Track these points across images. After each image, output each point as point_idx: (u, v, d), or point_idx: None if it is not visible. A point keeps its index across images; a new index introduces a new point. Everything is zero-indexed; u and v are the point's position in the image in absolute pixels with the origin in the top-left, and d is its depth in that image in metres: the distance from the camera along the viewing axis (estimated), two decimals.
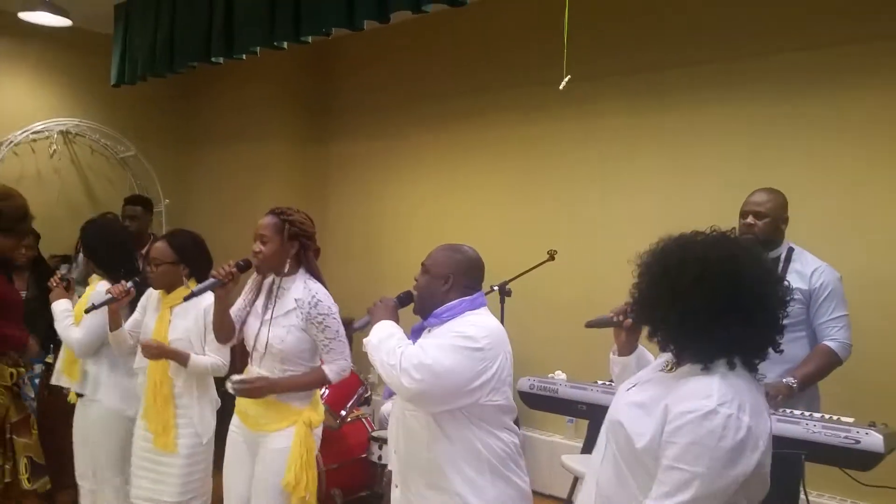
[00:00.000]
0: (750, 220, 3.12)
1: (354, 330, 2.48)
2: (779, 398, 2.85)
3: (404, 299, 2.45)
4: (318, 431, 2.89)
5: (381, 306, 2.38)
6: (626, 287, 1.77)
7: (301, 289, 2.78)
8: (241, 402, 2.85)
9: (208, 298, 3.00)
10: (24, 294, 4.48)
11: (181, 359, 3.02)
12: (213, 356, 3.07)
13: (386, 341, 2.24)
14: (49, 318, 3.64)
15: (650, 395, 1.65)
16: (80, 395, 3.48)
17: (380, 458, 4.22)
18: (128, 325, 3.32)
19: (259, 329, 2.81)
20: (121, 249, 3.52)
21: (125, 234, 3.86)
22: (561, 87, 3.06)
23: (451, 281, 2.35)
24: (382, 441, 4.14)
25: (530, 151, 5.06)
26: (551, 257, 4.13)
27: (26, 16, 5.00)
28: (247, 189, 6.18)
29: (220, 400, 3.29)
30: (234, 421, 2.92)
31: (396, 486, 2.42)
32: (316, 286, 2.80)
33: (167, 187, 6.28)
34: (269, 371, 2.79)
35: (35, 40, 5.73)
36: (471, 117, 5.37)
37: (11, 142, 5.60)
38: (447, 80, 5.50)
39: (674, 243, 1.68)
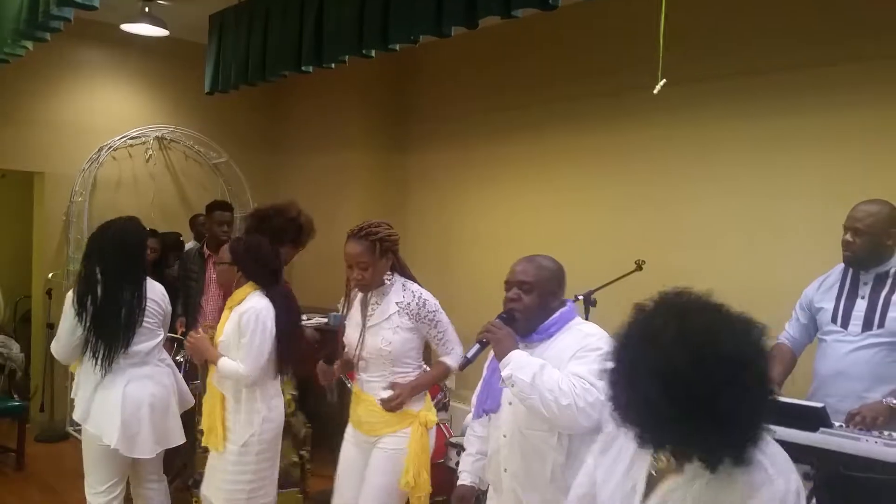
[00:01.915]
0: (848, 236, 2.96)
1: (469, 361, 2.38)
2: (879, 420, 2.69)
3: (507, 320, 2.32)
4: (432, 433, 2.92)
5: (501, 334, 2.23)
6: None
7: (401, 292, 2.86)
8: (357, 412, 2.92)
9: (246, 304, 3.05)
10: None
11: (210, 356, 3.07)
12: (238, 364, 3.02)
13: (539, 376, 2.11)
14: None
15: None
16: None
17: (457, 464, 4.16)
18: None
19: (362, 337, 2.86)
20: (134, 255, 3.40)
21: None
22: (655, 91, 2.95)
23: (556, 295, 2.34)
24: (461, 448, 4.07)
25: (616, 160, 4.94)
26: (639, 267, 4.00)
27: (128, 27, 5.23)
28: (329, 195, 6.28)
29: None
30: (349, 431, 2.98)
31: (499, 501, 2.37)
32: (416, 287, 2.89)
33: (256, 193, 6.44)
34: (378, 375, 2.86)
35: (134, 50, 6.00)
36: (555, 126, 5.28)
37: (111, 147, 5.86)
38: (531, 88, 5.43)
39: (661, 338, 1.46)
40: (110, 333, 3.18)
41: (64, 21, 3.56)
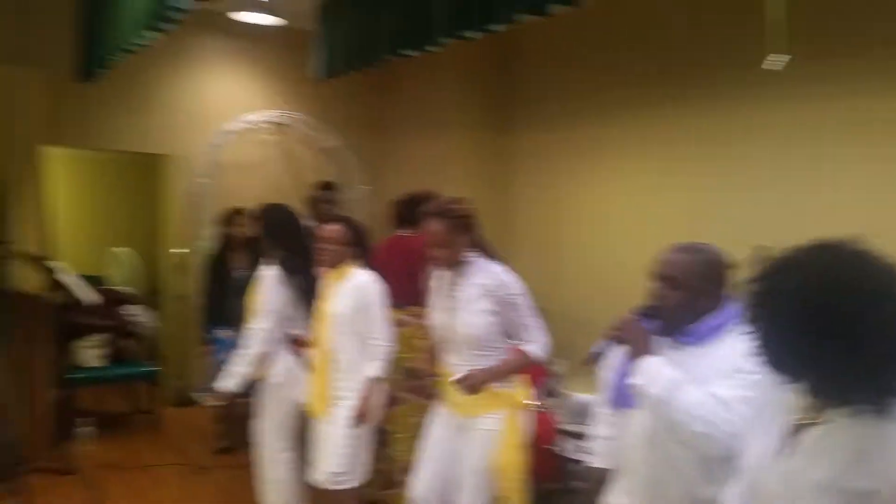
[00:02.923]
0: None
1: (596, 357, 2.11)
2: None
3: (648, 316, 2.06)
4: (525, 415, 2.91)
5: (636, 336, 2.00)
6: None
7: (484, 274, 2.81)
8: (451, 393, 2.89)
9: (363, 277, 3.25)
10: (242, 272, 5.00)
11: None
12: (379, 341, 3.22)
13: (675, 396, 1.90)
14: None
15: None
16: None
17: (568, 451, 4.01)
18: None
19: (447, 319, 2.86)
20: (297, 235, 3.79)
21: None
22: (776, 68, 2.82)
23: (711, 293, 2.01)
24: (574, 435, 3.91)
25: (735, 139, 4.74)
26: (760, 253, 3.80)
27: (236, 16, 5.50)
28: (435, 177, 6.37)
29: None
30: (437, 412, 2.99)
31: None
32: (497, 268, 2.83)
33: (364, 175, 6.69)
34: (465, 358, 2.83)
35: (249, 38, 6.35)
36: (665, 104, 5.13)
37: (231, 131, 6.23)
38: (640, 65, 5.28)
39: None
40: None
41: (184, 12, 3.71)
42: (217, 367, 5.04)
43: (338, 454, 3.19)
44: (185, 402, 6.25)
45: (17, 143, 4.71)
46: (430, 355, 3.14)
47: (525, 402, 2.90)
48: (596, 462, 2.36)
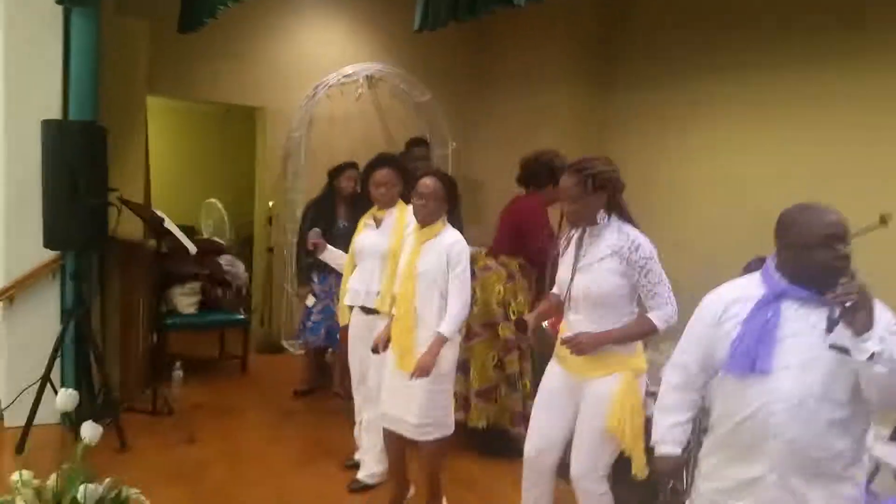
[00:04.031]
0: None
1: (834, 323, 1.93)
2: None
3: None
4: (643, 379, 2.88)
5: (870, 301, 1.91)
6: None
7: (616, 235, 2.76)
8: (562, 348, 2.89)
9: (454, 236, 3.29)
10: (344, 224, 5.04)
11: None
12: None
13: None
14: None
15: None
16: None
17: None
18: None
19: (573, 277, 2.82)
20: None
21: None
22: None
23: None
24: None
25: (853, 100, 4.44)
26: (884, 222, 3.53)
27: None
28: (527, 135, 6.27)
29: None
30: (553, 366, 2.99)
31: (757, 469, 2.13)
32: (633, 231, 2.77)
33: (455, 132, 6.60)
34: (586, 317, 2.80)
35: None
36: (773, 63, 4.87)
37: (326, 85, 6.22)
38: (746, 27, 5.04)
39: None
40: None
41: None
42: (309, 315, 5.16)
43: (420, 406, 3.24)
44: (272, 349, 6.39)
45: (124, 93, 4.80)
46: (543, 310, 3.11)
47: (642, 366, 2.85)
48: (667, 448, 2.32)
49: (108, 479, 2.05)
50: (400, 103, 6.68)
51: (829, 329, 1.93)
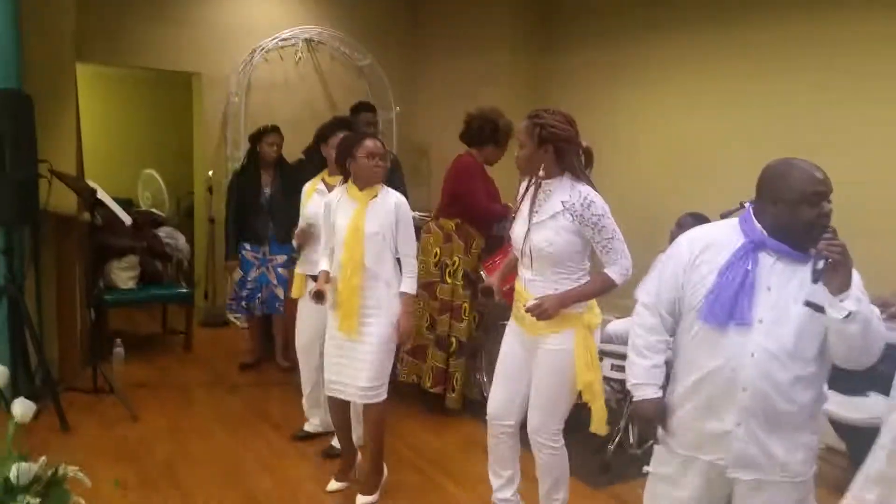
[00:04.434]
0: None
1: (819, 276, 1.93)
2: None
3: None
4: (597, 334, 2.88)
5: (849, 260, 1.94)
6: None
7: (567, 191, 2.73)
8: (518, 307, 2.90)
9: (396, 197, 3.30)
10: (269, 189, 4.96)
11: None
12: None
13: (875, 316, 1.99)
14: (292, 213, 4.01)
15: None
16: None
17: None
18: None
19: (527, 233, 2.80)
20: None
21: None
22: None
23: None
24: (604, 354, 3.70)
25: (784, 55, 4.46)
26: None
27: None
28: (469, 98, 6.14)
29: None
30: (511, 324, 2.99)
31: (727, 423, 2.12)
32: (585, 188, 2.73)
33: (397, 95, 6.49)
34: (541, 276, 2.79)
35: None
36: (722, 19, 4.83)
37: (263, 49, 6.04)
38: None
39: None
40: None
41: None
42: (241, 285, 5.07)
43: (373, 369, 3.25)
44: (216, 321, 6.27)
45: (51, 59, 4.55)
46: (506, 271, 3.11)
47: (595, 321, 2.84)
48: (649, 391, 2.25)
49: (42, 458, 1.96)
50: (341, 67, 6.54)
51: (815, 280, 1.94)
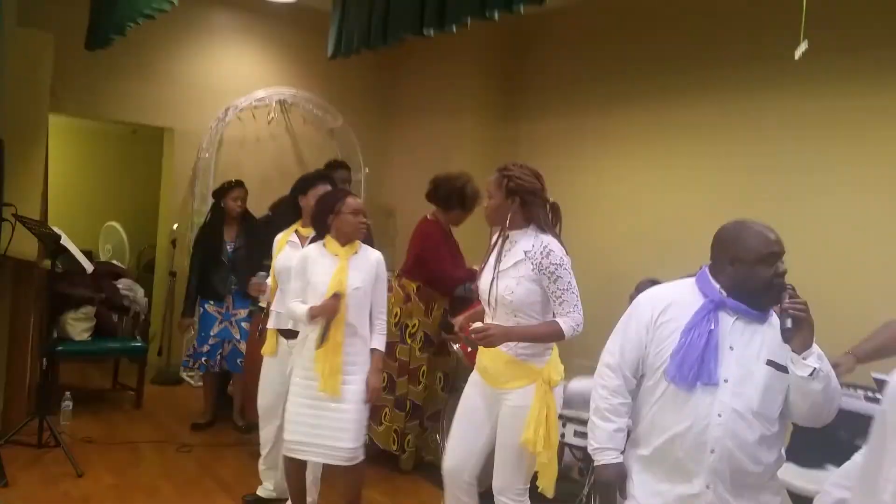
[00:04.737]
0: None
1: (789, 333, 1.99)
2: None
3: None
4: (559, 391, 2.87)
5: (810, 318, 2.00)
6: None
7: (531, 241, 2.78)
8: (482, 360, 2.90)
9: (376, 254, 3.34)
10: (232, 244, 4.95)
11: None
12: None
13: (832, 374, 2.04)
14: (254, 268, 4.01)
15: None
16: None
17: (562, 436, 3.80)
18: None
19: (491, 282, 2.82)
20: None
21: None
22: (797, 56, 2.76)
23: None
24: (567, 420, 3.71)
25: (750, 134, 4.65)
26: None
27: None
28: (438, 161, 6.27)
29: None
30: (473, 377, 2.97)
31: (696, 485, 2.11)
32: (547, 238, 2.78)
33: (367, 157, 6.57)
34: (504, 324, 2.80)
35: (261, 15, 6.23)
36: (677, 96, 5.06)
37: (237, 107, 6.09)
38: (648, 58, 5.25)
39: None
40: None
41: None
42: (202, 341, 4.97)
43: (356, 429, 3.23)
44: (168, 379, 6.11)
45: (25, 106, 4.55)
46: (471, 313, 3.12)
47: (556, 377, 2.83)
48: (611, 456, 2.22)
49: None
50: (313, 128, 6.62)
51: (786, 340, 1.99)
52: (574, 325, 2.75)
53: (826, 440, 2.95)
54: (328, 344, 3.17)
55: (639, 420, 2.23)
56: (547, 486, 2.78)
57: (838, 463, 2.89)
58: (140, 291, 5.77)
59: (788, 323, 1.97)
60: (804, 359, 1.97)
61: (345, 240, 3.28)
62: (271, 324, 3.73)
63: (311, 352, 3.22)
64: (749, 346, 2.08)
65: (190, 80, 6.14)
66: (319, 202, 3.39)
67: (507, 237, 2.85)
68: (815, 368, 1.96)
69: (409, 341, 4.30)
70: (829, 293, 3.82)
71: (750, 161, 4.62)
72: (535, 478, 2.84)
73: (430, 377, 4.36)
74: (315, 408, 3.21)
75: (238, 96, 6.14)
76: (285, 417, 3.32)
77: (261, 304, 4.16)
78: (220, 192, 5.04)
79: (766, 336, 2.10)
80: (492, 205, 2.87)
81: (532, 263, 2.73)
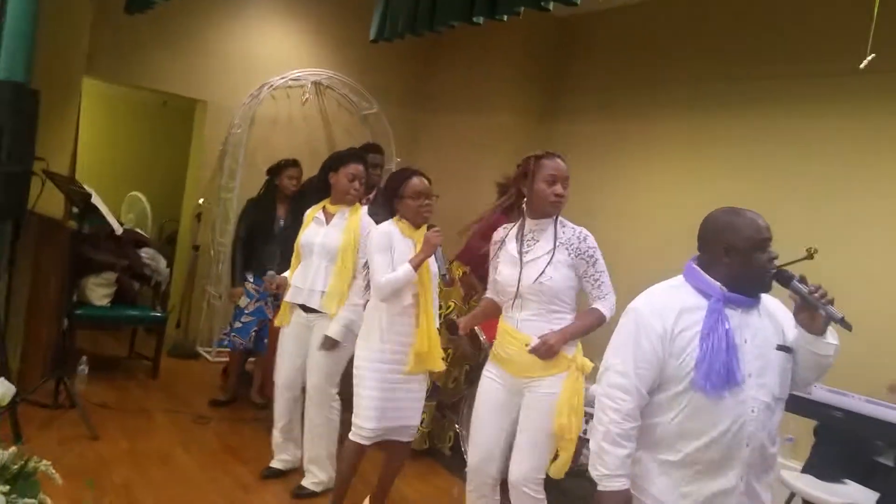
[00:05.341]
0: None
1: (843, 322, 2.01)
2: None
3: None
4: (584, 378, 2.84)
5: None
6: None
7: (560, 228, 2.80)
8: (505, 350, 2.83)
9: (433, 233, 3.18)
10: (283, 222, 4.88)
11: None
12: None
13: None
14: None
15: None
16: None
17: (584, 432, 3.75)
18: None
19: (521, 272, 2.78)
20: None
21: None
22: (862, 66, 2.76)
23: None
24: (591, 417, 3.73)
25: (787, 149, 4.67)
26: (810, 255, 3.70)
27: None
28: (470, 157, 6.28)
29: None
30: (492, 368, 2.92)
31: (731, 479, 2.09)
32: (574, 225, 2.84)
33: (399, 146, 6.51)
34: (537, 314, 2.77)
35: None
36: (717, 107, 5.05)
37: (272, 86, 6.05)
38: (694, 65, 5.23)
39: None
40: None
41: None
42: (236, 316, 4.92)
43: (422, 404, 3.35)
44: (186, 354, 6.06)
45: (61, 65, 4.54)
46: (477, 313, 3.16)
47: (588, 364, 2.80)
48: (621, 483, 2.07)
49: (13, 448, 1.82)
50: (346, 113, 6.57)
51: (803, 323, 2.04)
52: (612, 307, 2.80)
53: (845, 455, 3.02)
54: (427, 326, 3.17)
55: (656, 427, 2.11)
56: (559, 471, 2.75)
57: (857, 477, 2.91)
58: (163, 262, 5.73)
59: (835, 312, 1.98)
60: (825, 337, 2.03)
61: (413, 223, 3.23)
62: (289, 297, 3.70)
63: (400, 335, 3.19)
64: (757, 336, 2.08)
65: (226, 53, 6.09)
66: (386, 185, 3.38)
67: (527, 225, 2.85)
68: (836, 345, 2.03)
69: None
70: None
71: (786, 180, 4.61)
72: None
73: (456, 366, 4.28)
74: (396, 391, 3.20)
75: (274, 74, 6.10)
76: (363, 405, 3.17)
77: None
78: (276, 170, 5.01)
79: (765, 322, 2.11)
80: (567, 193, 2.84)
81: (569, 250, 2.76)
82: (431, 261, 3.21)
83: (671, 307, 2.09)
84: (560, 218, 2.83)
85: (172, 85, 5.99)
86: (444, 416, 4.42)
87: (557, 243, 2.76)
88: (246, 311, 4.92)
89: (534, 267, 2.76)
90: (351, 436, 3.21)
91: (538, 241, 2.81)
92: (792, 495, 3.43)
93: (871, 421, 2.73)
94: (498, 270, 2.91)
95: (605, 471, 2.07)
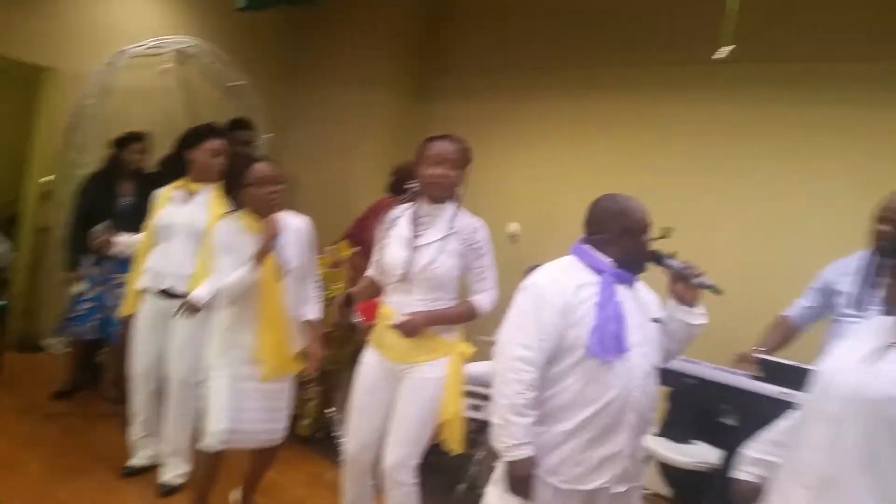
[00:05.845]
0: (884, 227, 2.94)
1: (715, 290, 2.31)
2: None
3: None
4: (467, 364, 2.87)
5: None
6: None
7: (455, 216, 2.77)
8: (384, 336, 2.80)
9: (296, 219, 3.06)
10: (127, 200, 4.50)
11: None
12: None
13: None
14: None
15: None
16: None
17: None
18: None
19: (411, 255, 2.73)
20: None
21: None
22: (714, 57, 2.94)
23: None
24: (474, 396, 3.55)
25: (651, 132, 4.84)
26: (665, 235, 3.87)
27: None
28: (345, 135, 6.10)
29: None
30: (370, 355, 2.85)
31: (618, 443, 2.27)
32: (469, 215, 2.82)
33: (269, 122, 6.22)
34: (420, 298, 2.74)
35: None
36: (590, 90, 5.15)
37: (130, 53, 5.59)
38: (570, 49, 5.29)
39: None
40: None
41: None
42: (76, 302, 4.52)
43: (288, 409, 3.10)
44: (32, 347, 5.52)
45: None
46: (357, 294, 3.04)
47: (469, 349, 2.83)
48: (528, 450, 2.21)
49: None
50: (210, 84, 6.17)
51: (679, 297, 2.32)
52: (492, 301, 2.81)
53: (695, 418, 3.25)
54: (269, 329, 2.90)
55: (551, 399, 2.24)
56: (457, 444, 2.75)
57: (706, 437, 3.18)
58: (5, 243, 5.18)
59: (705, 281, 2.27)
60: (695, 310, 2.31)
61: (262, 215, 2.93)
62: (145, 283, 3.43)
63: (246, 341, 2.93)
64: (637, 310, 2.31)
65: (79, 16, 5.53)
66: (226, 175, 3.03)
67: (420, 209, 2.79)
68: (705, 321, 2.32)
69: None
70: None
71: (660, 161, 4.76)
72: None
73: (341, 348, 4.14)
74: (256, 391, 2.94)
75: (133, 41, 5.62)
76: (212, 404, 2.91)
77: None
78: (121, 142, 4.63)
79: (640, 297, 2.36)
80: (455, 175, 2.79)
81: (460, 240, 2.74)
82: (283, 248, 2.94)
83: (569, 283, 2.28)
84: (458, 206, 2.80)
85: (12, 49, 5.39)
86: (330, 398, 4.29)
87: (450, 231, 2.73)
88: (84, 298, 4.52)
89: (425, 252, 2.72)
90: (202, 445, 2.94)
91: (432, 226, 2.77)
92: (648, 456, 3.54)
93: (720, 386, 2.98)
94: (385, 251, 2.82)
95: (512, 441, 2.19)
